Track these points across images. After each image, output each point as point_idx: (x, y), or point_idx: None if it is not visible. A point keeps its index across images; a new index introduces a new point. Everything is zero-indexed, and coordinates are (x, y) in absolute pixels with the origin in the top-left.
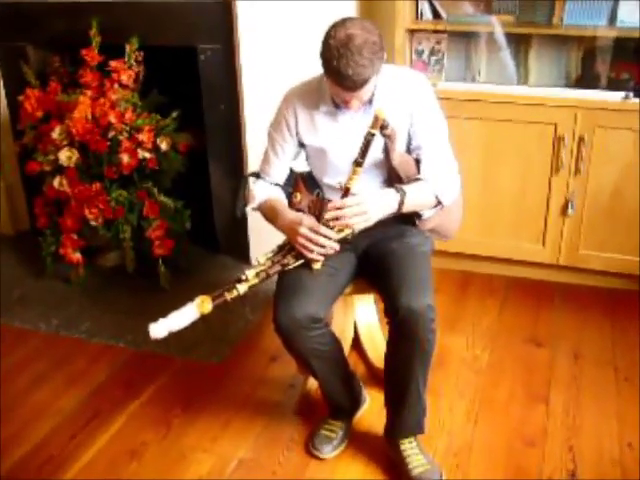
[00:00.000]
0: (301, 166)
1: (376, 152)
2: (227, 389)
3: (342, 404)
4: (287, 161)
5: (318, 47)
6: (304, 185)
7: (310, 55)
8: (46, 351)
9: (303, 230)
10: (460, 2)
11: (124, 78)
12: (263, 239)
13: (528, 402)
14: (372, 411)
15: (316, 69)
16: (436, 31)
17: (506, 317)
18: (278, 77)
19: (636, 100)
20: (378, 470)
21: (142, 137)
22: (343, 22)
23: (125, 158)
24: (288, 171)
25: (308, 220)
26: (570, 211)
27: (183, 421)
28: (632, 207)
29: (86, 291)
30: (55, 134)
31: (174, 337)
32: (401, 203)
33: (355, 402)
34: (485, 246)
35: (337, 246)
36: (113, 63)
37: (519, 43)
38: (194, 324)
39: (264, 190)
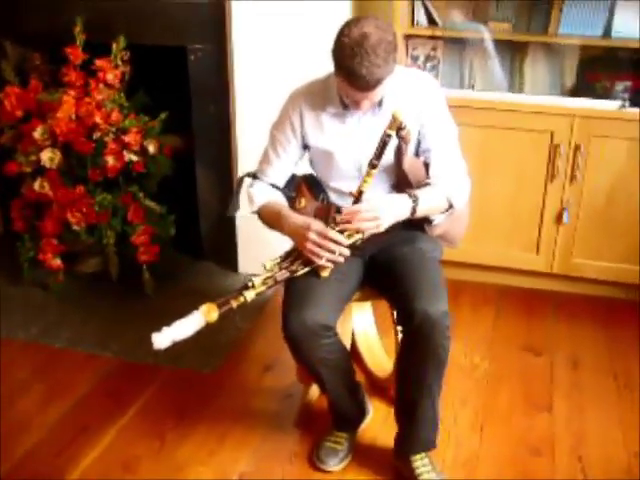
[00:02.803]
0: (303, 170)
1: (387, 156)
2: (221, 400)
3: (348, 414)
4: (288, 163)
5: (313, 48)
6: (308, 190)
7: (305, 56)
8: (25, 361)
9: (312, 235)
10: (456, 9)
11: (110, 77)
12: (252, 245)
13: (531, 410)
14: (376, 422)
15: (312, 70)
16: (432, 37)
17: (501, 325)
18: (271, 78)
19: (632, 109)
20: None
21: (129, 139)
22: (357, 20)
23: (110, 160)
24: (288, 174)
25: (317, 225)
26: (565, 219)
27: (177, 434)
28: (626, 216)
29: (66, 298)
30: (37, 134)
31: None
32: (413, 210)
33: (361, 413)
34: (478, 254)
35: (347, 252)
36: (99, 62)
37: (515, 51)
38: None
39: (263, 193)
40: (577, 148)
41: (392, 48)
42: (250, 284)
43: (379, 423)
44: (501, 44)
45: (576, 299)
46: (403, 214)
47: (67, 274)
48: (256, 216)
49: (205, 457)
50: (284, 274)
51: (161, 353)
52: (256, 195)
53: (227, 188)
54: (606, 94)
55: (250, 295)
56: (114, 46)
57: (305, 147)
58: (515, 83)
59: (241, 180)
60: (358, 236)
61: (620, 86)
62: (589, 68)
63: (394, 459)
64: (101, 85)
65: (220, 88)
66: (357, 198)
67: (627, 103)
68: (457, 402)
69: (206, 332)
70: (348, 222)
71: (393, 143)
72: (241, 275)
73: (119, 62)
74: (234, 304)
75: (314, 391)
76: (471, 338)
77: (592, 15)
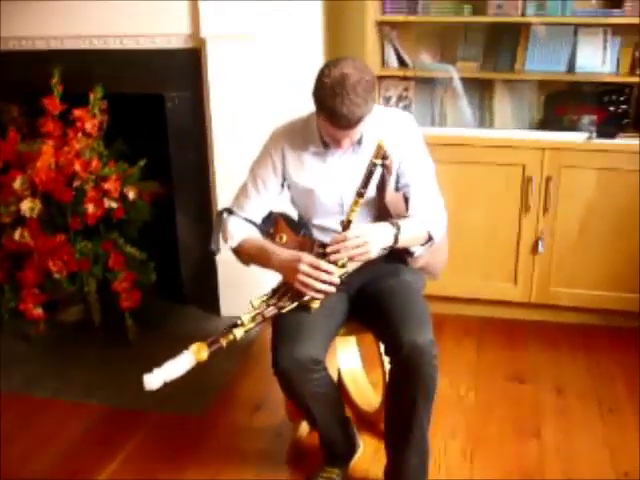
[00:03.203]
0: (279, 207)
1: (369, 189)
2: (211, 441)
3: (339, 449)
4: (266, 199)
5: (288, 92)
6: (287, 226)
7: (281, 100)
8: (9, 411)
9: (304, 267)
10: (424, 50)
11: (88, 127)
12: (233, 288)
13: (520, 437)
14: (366, 456)
15: (288, 113)
16: (404, 78)
17: (484, 356)
18: (248, 123)
19: (599, 140)
20: None
21: (108, 186)
22: (336, 61)
23: (91, 208)
24: (265, 211)
25: (307, 257)
26: (540, 249)
27: (170, 477)
28: (599, 243)
29: (48, 348)
30: (17, 184)
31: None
32: (396, 237)
33: (351, 447)
34: (457, 287)
35: (338, 281)
36: (77, 111)
37: (484, 88)
38: None
39: (241, 228)
40: (549, 179)
41: (371, 87)
42: (239, 322)
43: (369, 457)
44: (470, 82)
45: (555, 327)
46: (387, 241)
47: (48, 323)
48: (231, 252)
49: None
50: (272, 310)
51: (148, 398)
52: (234, 231)
53: (207, 233)
54: (573, 126)
55: (239, 333)
56: (91, 96)
57: (284, 185)
58: (485, 119)
59: (220, 214)
60: (346, 269)
61: (586, 118)
62: (556, 102)
63: None
64: (79, 134)
65: (198, 134)
66: (345, 227)
67: (594, 134)
68: (446, 433)
69: (193, 375)
70: (337, 252)
71: (375, 178)
72: (223, 318)
73: (97, 112)
74: (223, 342)
75: (304, 428)
76: (456, 370)
77: (556, 52)
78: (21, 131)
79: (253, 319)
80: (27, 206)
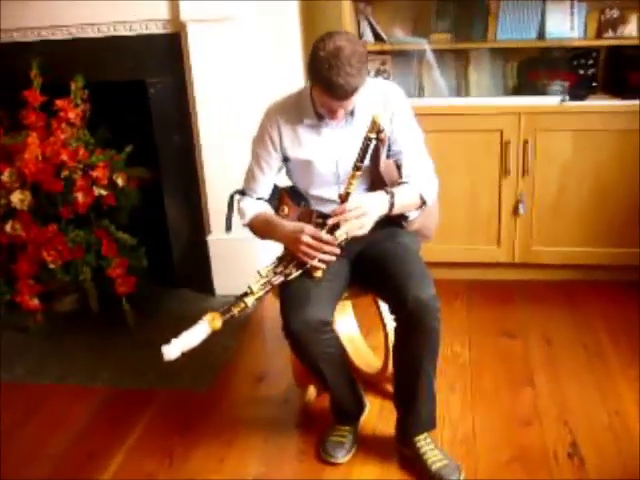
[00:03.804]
0: (282, 181)
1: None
2: (220, 413)
3: (349, 408)
4: (272, 176)
5: (270, 73)
6: (290, 199)
7: (264, 80)
8: (14, 401)
9: (305, 238)
10: (399, 24)
11: (71, 116)
12: (226, 267)
13: (515, 387)
14: (372, 414)
15: (271, 94)
16: (381, 52)
17: (475, 316)
18: (232, 104)
19: (572, 103)
20: (393, 469)
21: (97, 174)
22: (330, 35)
23: (80, 197)
24: (272, 186)
25: (309, 228)
26: (521, 211)
27: (185, 448)
28: (577, 202)
29: (47, 338)
30: (5, 177)
31: (154, 369)
32: (391, 204)
33: (360, 405)
34: (444, 253)
35: (338, 251)
36: (59, 102)
37: (459, 59)
38: None
39: (253, 206)
40: (526, 143)
41: (364, 58)
42: (249, 290)
43: (376, 415)
44: (445, 53)
45: (539, 285)
46: (383, 210)
47: (45, 314)
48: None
49: (216, 465)
50: (279, 278)
51: (153, 378)
52: (246, 209)
53: (196, 215)
54: (546, 91)
55: (250, 301)
56: (73, 85)
57: (284, 159)
58: (462, 88)
59: (231, 198)
60: (346, 235)
61: (558, 83)
62: (528, 68)
63: (397, 444)
64: (63, 124)
65: (182, 118)
66: (344, 200)
67: (567, 97)
68: (446, 388)
69: (194, 353)
70: (337, 223)
71: (371, 149)
72: (218, 298)
73: (79, 101)
74: (235, 311)
75: (311, 393)
76: (449, 330)
77: (526, 20)
78: (3, 125)
79: (262, 287)
80: (17, 198)
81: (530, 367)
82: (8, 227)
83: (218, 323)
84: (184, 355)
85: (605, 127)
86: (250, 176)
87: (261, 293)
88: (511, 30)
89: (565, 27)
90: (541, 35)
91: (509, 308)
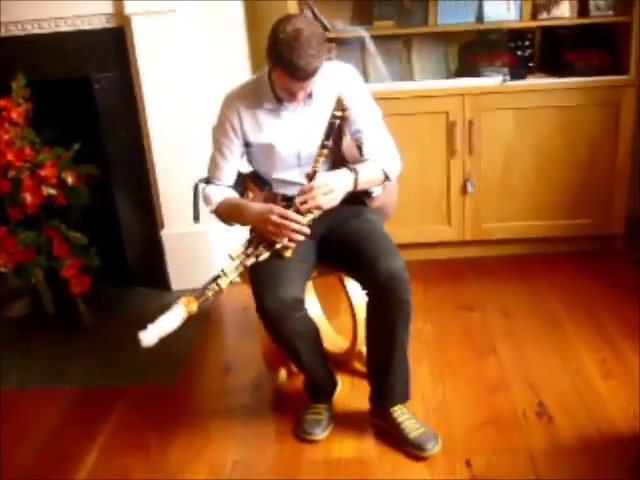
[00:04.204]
0: (244, 168)
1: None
2: (193, 405)
3: (323, 385)
4: (235, 162)
5: (216, 63)
6: (253, 184)
7: (209, 72)
8: None
9: (274, 217)
10: (340, 13)
11: (14, 115)
12: (181, 262)
13: (478, 356)
14: (343, 393)
15: (220, 86)
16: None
17: (432, 293)
18: (179, 96)
19: (512, 82)
20: (371, 442)
21: (45, 172)
22: (288, 18)
23: (29, 197)
24: (235, 172)
25: (277, 208)
26: (469, 189)
27: (160, 441)
28: (522, 177)
29: (1, 345)
30: None
31: (118, 367)
32: (356, 181)
33: (333, 382)
34: (396, 235)
35: (307, 230)
36: (1, 102)
37: (401, 44)
38: (133, 350)
39: (219, 192)
40: (471, 123)
41: (323, 40)
42: (222, 273)
43: (347, 392)
44: (389, 40)
45: (491, 260)
46: (348, 186)
47: None
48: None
49: (195, 454)
50: (251, 259)
51: (119, 375)
52: (212, 196)
53: (147, 211)
54: (486, 72)
55: (224, 282)
56: (14, 85)
57: (246, 145)
58: (406, 72)
59: (196, 187)
60: (316, 213)
61: (498, 64)
62: (468, 52)
63: (372, 418)
64: (6, 124)
65: (129, 113)
66: (312, 178)
67: (508, 77)
68: (413, 363)
69: (157, 348)
70: (305, 202)
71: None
72: (175, 293)
73: (21, 100)
74: (210, 294)
75: (282, 375)
76: None
77: (465, 5)
78: None
79: (235, 269)
80: None
81: (491, 337)
82: None
83: (194, 307)
84: (147, 351)
85: (545, 104)
86: (213, 164)
87: (234, 275)
88: (450, 15)
89: (502, 10)
90: (479, 19)
91: (464, 284)
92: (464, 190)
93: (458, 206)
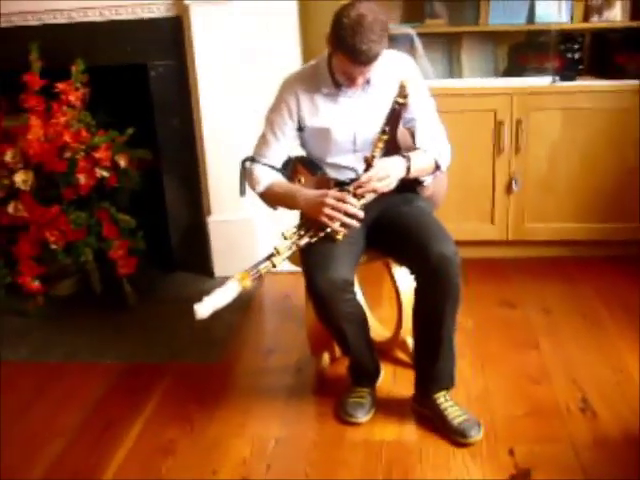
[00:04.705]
0: (295, 152)
1: (378, 127)
2: (235, 383)
3: (368, 369)
4: (284, 144)
5: (271, 52)
6: (304, 168)
7: (265, 63)
8: (21, 380)
9: (330, 200)
10: (394, 11)
11: (72, 99)
12: (225, 249)
13: (521, 350)
14: (386, 381)
15: (274, 78)
16: None
17: (473, 291)
18: (233, 88)
19: (561, 83)
20: (413, 427)
21: (99, 155)
22: (352, 4)
23: (83, 178)
24: (284, 155)
25: (333, 192)
26: (515, 188)
27: (204, 415)
28: (567, 179)
29: (48, 321)
30: (8, 157)
31: (162, 345)
32: (408, 168)
33: (377, 368)
34: None
35: (362, 214)
36: (61, 85)
37: (452, 42)
38: (176, 331)
39: (267, 174)
40: (518, 122)
41: (385, 26)
42: (275, 252)
43: (390, 380)
44: (438, 37)
45: (532, 261)
46: (401, 173)
47: (44, 298)
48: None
49: (237, 429)
50: (305, 239)
51: (162, 353)
52: (260, 177)
53: (195, 197)
54: (535, 73)
55: (278, 261)
56: (73, 69)
57: (299, 129)
58: (454, 70)
59: (243, 164)
60: (365, 199)
61: (547, 65)
62: (517, 52)
63: (415, 405)
64: (64, 107)
65: (182, 101)
66: (370, 162)
67: (557, 78)
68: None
69: (197, 330)
70: (361, 186)
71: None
72: (218, 280)
73: (79, 85)
74: (263, 271)
75: (325, 360)
76: None
77: (516, 5)
78: (1, 108)
79: (288, 248)
80: (21, 178)
81: (533, 333)
82: (11, 208)
83: (248, 282)
84: (189, 331)
85: (593, 105)
86: (262, 142)
87: (288, 253)
88: (502, 16)
89: (553, 11)
90: (530, 20)
91: (505, 283)
92: (509, 189)
93: (502, 205)
